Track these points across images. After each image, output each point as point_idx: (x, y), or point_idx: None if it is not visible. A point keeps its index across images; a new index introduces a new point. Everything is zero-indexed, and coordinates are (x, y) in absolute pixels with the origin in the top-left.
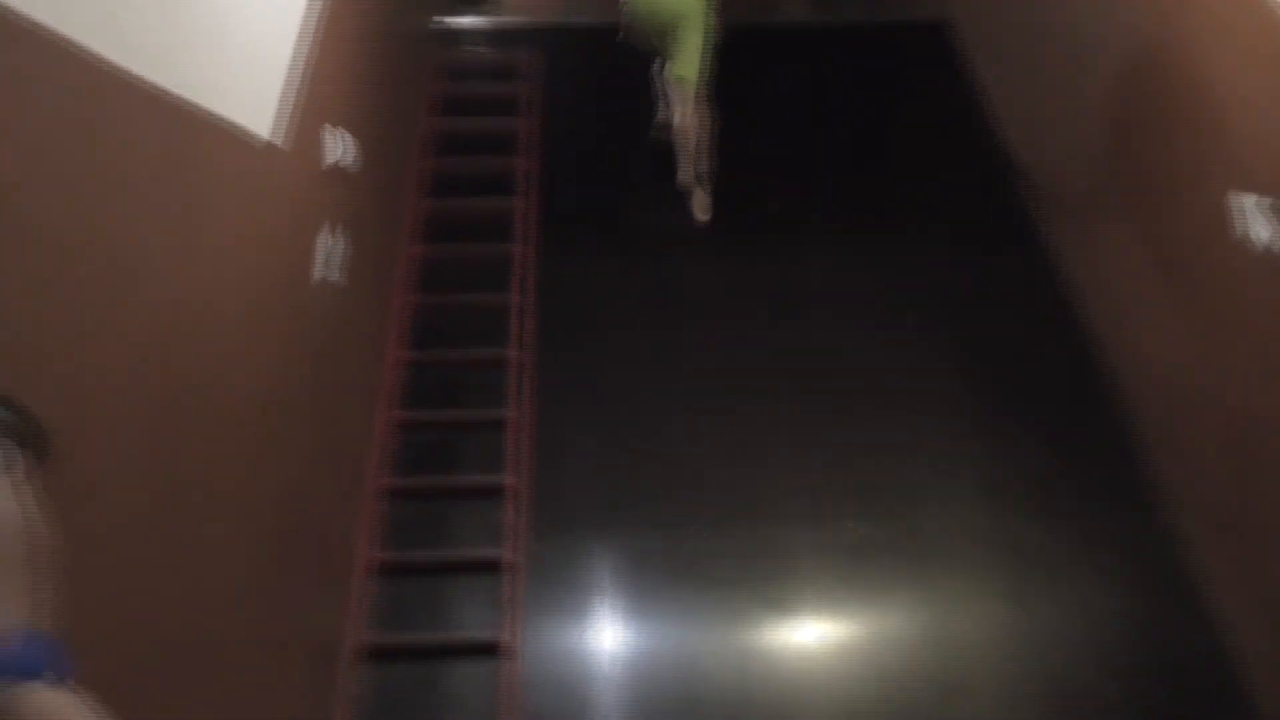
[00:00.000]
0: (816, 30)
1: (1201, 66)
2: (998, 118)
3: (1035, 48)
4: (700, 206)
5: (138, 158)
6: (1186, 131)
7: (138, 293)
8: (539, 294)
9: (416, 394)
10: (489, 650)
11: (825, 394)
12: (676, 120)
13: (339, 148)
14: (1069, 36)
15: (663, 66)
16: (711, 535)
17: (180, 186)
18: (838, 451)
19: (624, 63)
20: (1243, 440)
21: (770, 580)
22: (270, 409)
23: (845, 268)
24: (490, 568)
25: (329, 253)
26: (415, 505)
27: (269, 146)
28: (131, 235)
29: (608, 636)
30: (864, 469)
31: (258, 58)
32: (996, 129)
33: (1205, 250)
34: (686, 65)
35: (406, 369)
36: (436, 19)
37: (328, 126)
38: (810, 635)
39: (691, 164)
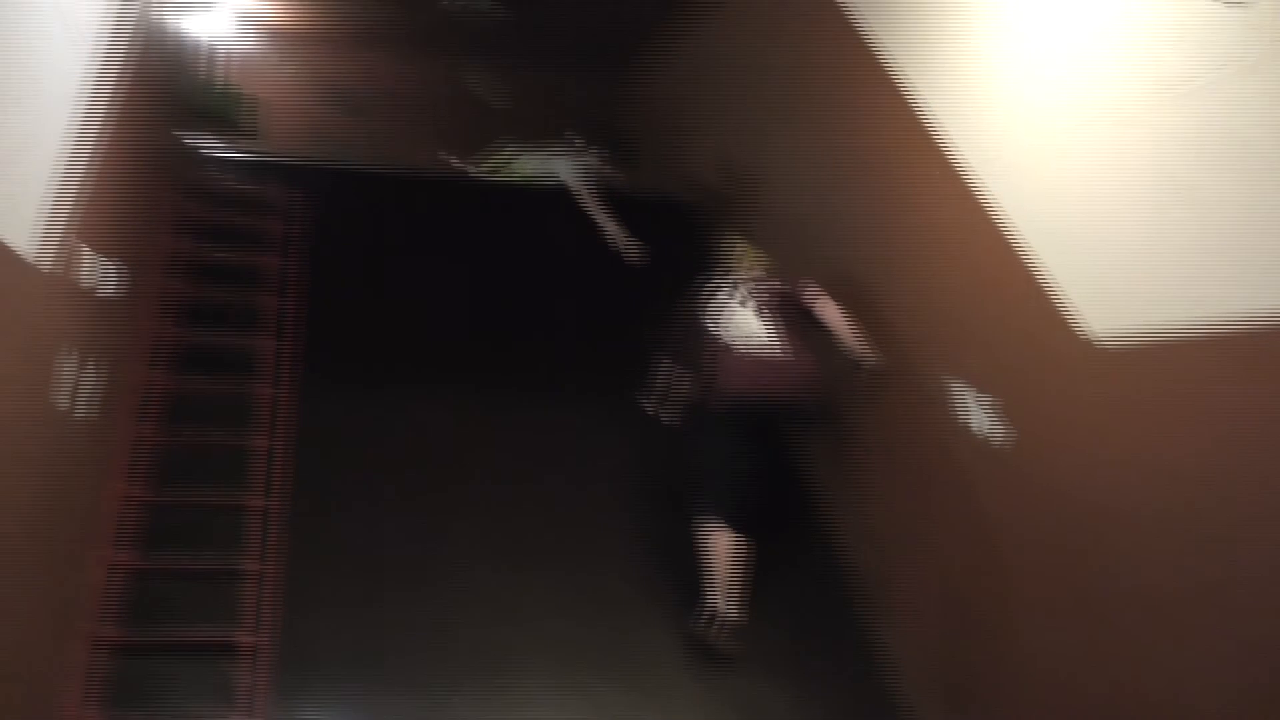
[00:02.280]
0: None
1: (932, 269)
2: None
3: (774, 237)
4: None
5: None
6: (918, 326)
7: None
8: (291, 439)
9: (152, 536)
10: None
11: (579, 554)
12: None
13: (97, 269)
14: (804, 231)
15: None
16: (462, 697)
17: None
18: (587, 613)
19: (385, 208)
20: (960, 609)
21: None
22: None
23: (606, 428)
24: None
25: (75, 379)
26: (140, 660)
27: (35, 266)
28: None
29: None
30: (611, 630)
31: (27, 169)
32: None
33: (926, 430)
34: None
35: (140, 508)
36: (185, 137)
37: (85, 247)
38: None
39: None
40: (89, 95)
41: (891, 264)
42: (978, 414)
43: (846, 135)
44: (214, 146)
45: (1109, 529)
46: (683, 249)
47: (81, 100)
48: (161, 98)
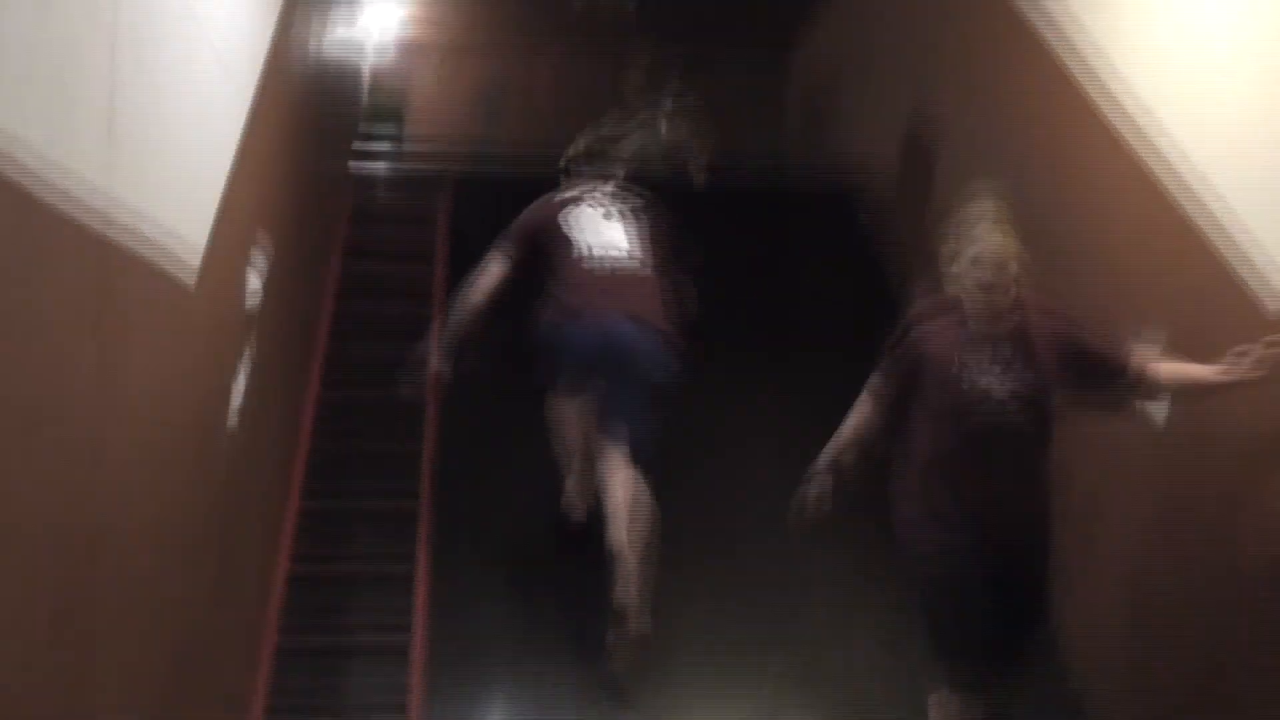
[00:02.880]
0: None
1: (1097, 240)
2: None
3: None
4: None
5: (68, 289)
6: (1083, 299)
7: (56, 428)
8: (440, 443)
9: (315, 542)
10: None
11: (736, 552)
12: None
13: (253, 286)
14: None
15: None
16: (619, 704)
17: (108, 322)
18: (750, 617)
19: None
20: (1143, 600)
21: None
22: (173, 561)
23: (759, 421)
24: None
25: (241, 395)
26: (310, 662)
27: (196, 285)
28: (55, 370)
29: None
30: (776, 631)
31: (185, 194)
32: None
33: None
34: None
35: (306, 516)
36: (352, 163)
37: (250, 266)
38: None
39: None
40: (242, 124)
41: (1060, 239)
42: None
43: (1013, 116)
44: (368, 161)
45: None
46: (843, 234)
47: (235, 127)
48: (320, 120)
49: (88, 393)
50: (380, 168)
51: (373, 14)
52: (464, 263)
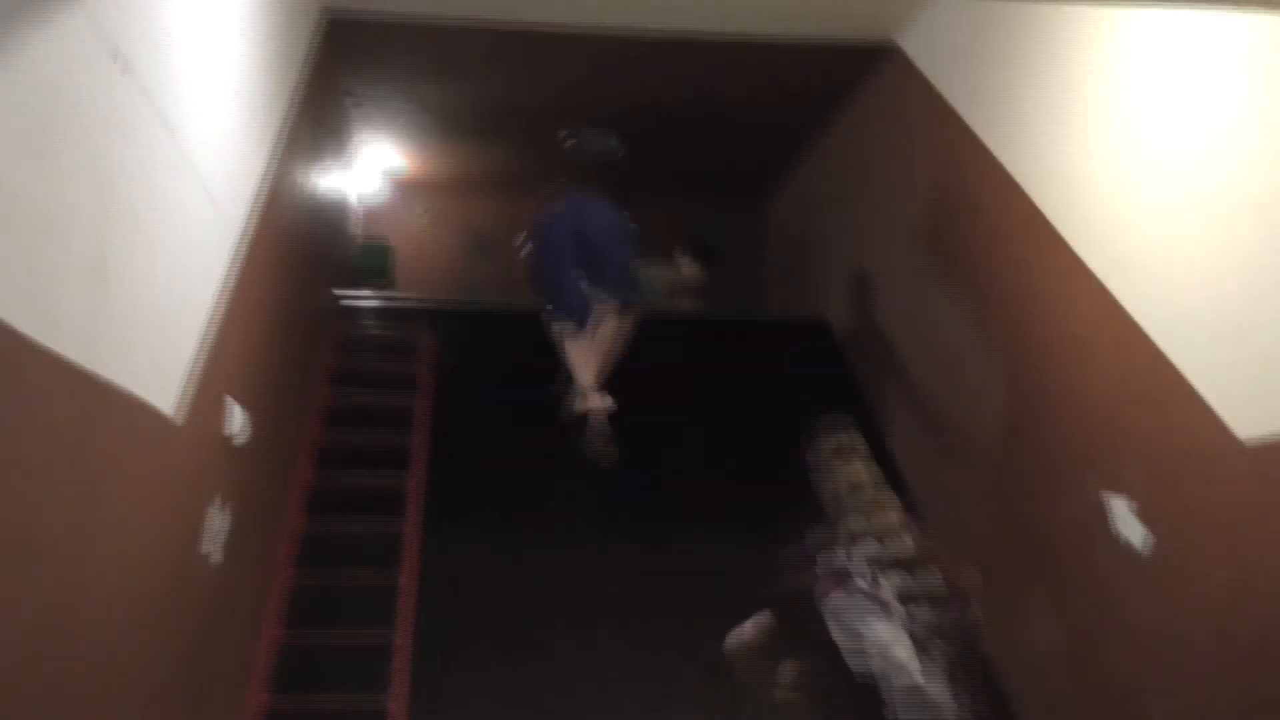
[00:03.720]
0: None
1: (1072, 375)
2: (878, 410)
3: (908, 351)
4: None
5: (48, 433)
6: (1061, 434)
7: (32, 573)
8: (423, 574)
9: (291, 677)
10: None
11: (721, 677)
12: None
13: (236, 419)
14: (938, 342)
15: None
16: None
17: (87, 462)
18: None
19: (511, 345)
20: None
21: None
22: (148, 696)
23: (735, 549)
24: None
25: (216, 527)
26: None
27: (173, 419)
28: (34, 512)
29: None
30: None
31: (170, 330)
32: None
33: (1078, 546)
34: None
35: (282, 650)
36: (337, 294)
37: (228, 398)
38: None
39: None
40: (231, 260)
41: (1034, 374)
42: (1126, 522)
43: (980, 253)
44: (357, 297)
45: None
46: (818, 370)
47: (224, 264)
48: (309, 256)
49: (67, 524)
50: (368, 299)
51: (365, 152)
52: (449, 393)
